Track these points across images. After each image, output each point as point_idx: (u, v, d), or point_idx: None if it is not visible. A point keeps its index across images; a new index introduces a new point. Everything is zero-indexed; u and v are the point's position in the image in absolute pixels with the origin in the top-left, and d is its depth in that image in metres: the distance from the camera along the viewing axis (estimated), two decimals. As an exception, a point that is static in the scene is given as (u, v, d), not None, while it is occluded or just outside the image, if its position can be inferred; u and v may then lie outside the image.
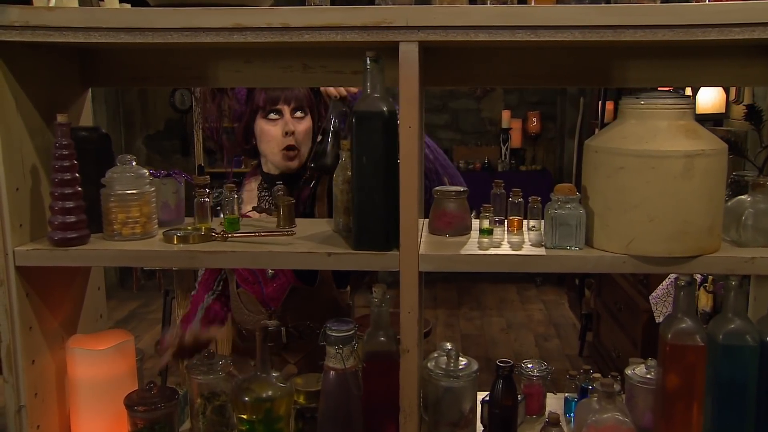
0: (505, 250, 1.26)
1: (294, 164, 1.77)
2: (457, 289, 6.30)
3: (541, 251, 1.24)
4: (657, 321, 3.24)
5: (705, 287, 2.98)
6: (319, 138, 1.58)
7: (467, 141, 6.79)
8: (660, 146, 1.15)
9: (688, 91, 3.46)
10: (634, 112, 1.20)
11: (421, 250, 1.23)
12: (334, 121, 1.54)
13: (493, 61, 1.46)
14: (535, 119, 6.68)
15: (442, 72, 1.45)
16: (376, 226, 1.22)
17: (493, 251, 1.25)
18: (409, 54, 1.16)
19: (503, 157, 6.54)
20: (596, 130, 5.48)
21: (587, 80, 1.45)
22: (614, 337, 4.15)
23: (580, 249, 1.23)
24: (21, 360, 1.28)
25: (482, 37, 1.15)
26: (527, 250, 1.25)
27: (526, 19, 1.13)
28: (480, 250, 1.26)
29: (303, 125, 1.76)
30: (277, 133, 1.75)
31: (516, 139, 6.64)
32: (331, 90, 1.65)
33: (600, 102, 5.33)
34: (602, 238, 1.22)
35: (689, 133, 1.16)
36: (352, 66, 1.43)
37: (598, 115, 5.59)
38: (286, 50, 1.43)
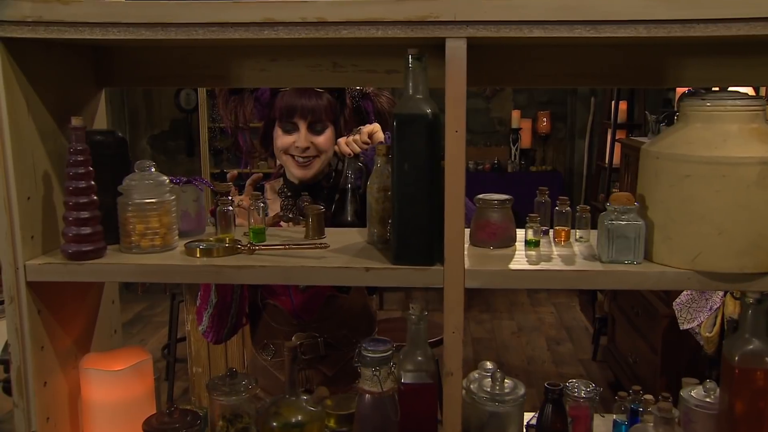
0: (557, 264, 1.16)
1: (308, 174, 1.67)
2: (466, 290, 6.20)
3: (597, 266, 1.14)
4: (681, 328, 3.14)
5: (732, 293, 2.88)
6: (337, 196, 1.50)
7: (476, 141, 6.69)
8: (731, 152, 1.05)
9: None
10: (699, 114, 1.11)
11: (466, 265, 1.13)
12: (351, 176, 1.47)
13: (534, 60, 1.36)
14: (545, 119, 6.58)
15: (480, 71, 1.35)
16: (418, 238, 1.12)
17: (544, 266, 1.15)
18: (456, 51, 1.07)
19: (513, 157, 6.44)
20: (609, 130, 5.39)
21: (638, 80, 1.35)
22: (631, 342, 4.05)
23: (638, 264, 1.13)
24: (32, 382, 1.19)
25: (537, 33, 1.05)
26: (581, 264, 1.16)
27: (586, 13, 1.04)
28: (529, 264, 1.16)
29: (321, 138, 1.65)
30: (289, 145, 1.65)
31: (526, 140, 6.54)
32: (345, 148, 1.57)
33: (613, 102, 5.24)
34: (664, 251, 1.12)
35: (763, 137, 1.06)
36: (386, 64, 1.34)
37: (610, 115, 5.50)
38: (315, 47, 1.33)
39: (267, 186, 1.77)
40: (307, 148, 1.64)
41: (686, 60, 1.31)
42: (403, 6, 1.05)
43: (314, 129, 1.64)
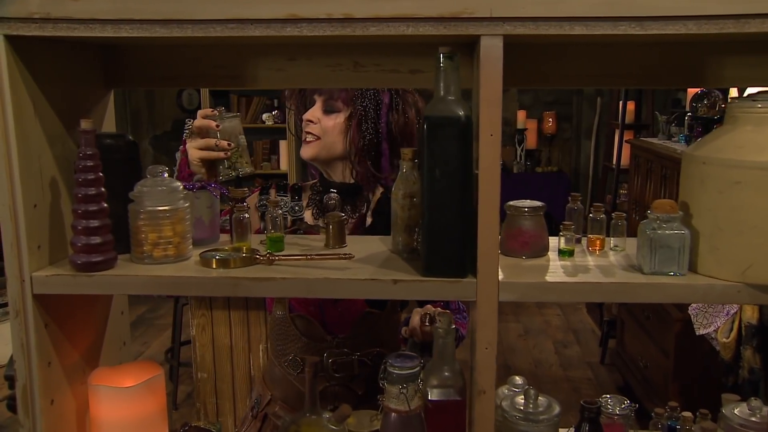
0: (596, 276, 1.09)
1: (306, 152, 1.64)
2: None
3: (638, 277, 1.08)
4: (697, 333, 3.08)
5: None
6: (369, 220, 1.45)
7: (481, 142, 6.61)
8: (786, 157, 0.98)
9: (733, 92, 3.29)
10: (749, 117, 1.04)
11: (500, 277, 1.07)
12: None
13: (564, 59, 1.29)
14: (550, 119, 6.51)
15: (506, 71, 1.28)
16: (449, 249, 1.06)
17: (582, 277, 1.08)
18: (491, 50, 1.00)
19: (518, 158, 6.37)
20: (616, 131, 5.32)
21: (675, 80, 1.28)
22: (641, 346, 3.99)
23: (683, 275, 1.07)
24: (39, 400, 1.12)
25: (578, 30, 0.99)
26: (621, 276, 1.09)
27: (631, 9, 0.97)
28: (567, 276, 1.09)
29: (331, 121, 1.60)
30: (305, 119, 1.63)
31: (531, 140, 6.47)
32: (417, 332, 1.54)
33: (621, 102, 5.17)
34: (710, 263, 1.06)
35: (820, 142, 0.99)
36: (410, 64, 1.27)
37: (616, 116, 5.43)
38: (336, 46, 1.27)
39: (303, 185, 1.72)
40: (312, 122, 1.61)
41: (726, 59, 1.24)
42: (435, 1, 0.98)
43: (326, 109, 1.61)
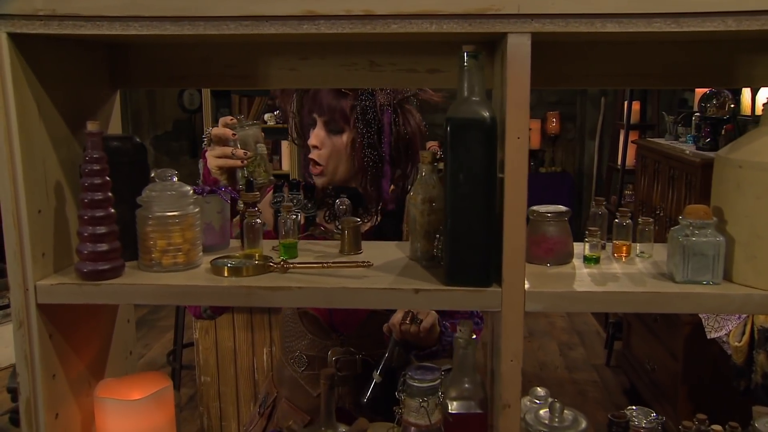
0: (626, 285, 1.04)
1: (320, 181, 1.59)
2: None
3: (671, 286, 1.03)
4: (708, 337, 3.03)
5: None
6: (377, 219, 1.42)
7: (484, 142, 6.56)
8: (829, 161, 0.94)
9: (747, 93, 3.25)
10: (788, 118, 0.99)
11: (526, 286, 1.02)
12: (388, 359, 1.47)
13: (587, 59, 1.24)
14: (554, 119, 6.47)
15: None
16: (473, 256, 1.01)
17: (611, 286, 1.04)
18: (519, 48, 0.95)
19: (522, 158, 6.32)
20: (621, 131, 5.28)
21: (704, 80, 1.24)
22: (648, 349, 3.95)
23: (717, 284, 1.02)
24: (43, 415, 1.07)
25: (611, 27, 0.94)
26: (652, 285, 1.04)
27: (666, 5, 0.92)
28: (595, 285, 1.04)
29: (337, 142, 1.55)
30: (310, 144, 1.57)
31: (535, 140, 6.43)
32: (396, 330, 1.48)
33: (626, 102, 5.12)
34: (747, 271, 1.01)
35: None
36: (428, 63, 1.22)
37: (620, 116, 5.38)
38: (351, 44, 1.22)
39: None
40: (317, 147, 1.55)
41: (757, 58, 1.19)
42: (460, -3, 0.94)
43: (330, 129, 1.55)
